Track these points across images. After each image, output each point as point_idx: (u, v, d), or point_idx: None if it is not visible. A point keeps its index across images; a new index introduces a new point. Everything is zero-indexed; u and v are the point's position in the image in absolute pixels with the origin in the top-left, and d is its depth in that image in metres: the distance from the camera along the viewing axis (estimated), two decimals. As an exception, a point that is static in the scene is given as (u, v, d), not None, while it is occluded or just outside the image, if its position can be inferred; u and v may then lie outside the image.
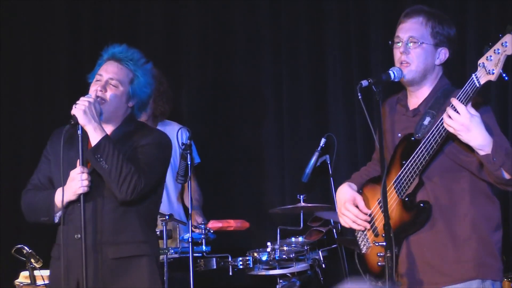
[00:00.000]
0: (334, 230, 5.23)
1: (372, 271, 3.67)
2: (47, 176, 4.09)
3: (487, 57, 3.32)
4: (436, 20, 3.64)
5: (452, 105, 3.37)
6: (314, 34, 6.00)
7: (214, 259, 5.10)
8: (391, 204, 3.57)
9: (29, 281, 4.63)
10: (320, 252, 5.12)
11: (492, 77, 3.31)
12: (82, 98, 3.90)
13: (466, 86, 3.37)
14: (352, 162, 5.80)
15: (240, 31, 6.24)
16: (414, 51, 3.62)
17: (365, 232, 3.69)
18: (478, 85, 3.34)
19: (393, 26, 5.67)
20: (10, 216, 6.40)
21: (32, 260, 4.57)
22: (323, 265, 5.11)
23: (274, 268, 5.10)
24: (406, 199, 3.54)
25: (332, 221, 5.21)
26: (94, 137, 3.86)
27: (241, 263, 5.09)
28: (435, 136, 3.45)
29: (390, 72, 3.64)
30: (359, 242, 3.73)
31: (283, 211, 5.32)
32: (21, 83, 6.67)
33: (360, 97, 3.52)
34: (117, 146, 3.90)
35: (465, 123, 3.34)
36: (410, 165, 3.52)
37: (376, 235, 3.61)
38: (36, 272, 4.63)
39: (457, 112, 3.35)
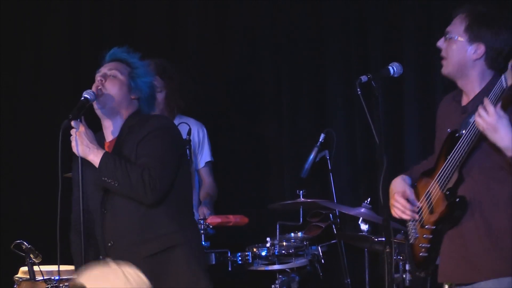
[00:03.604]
0: (334, 226, 5.23)
1: (415, 260, 3.71)
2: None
3: None
4: (476, 18, 3.64)
5: (483, 104, 3.40)
6: (313, 29, 6.00)
7: (213, 254, 5.09)
8: (435, 197, 3.62)
9: (28, 277, 4.62)
10: (319, 247, 5.12)
11: None
12: (72, 132, 3.91)
13: (496, 87, 3.39)
14: (351, 157, 5.81)
15: (240, 27, 6.24)
16: (447, 44, 3.65)
17: (415, 223, 3.73)
18: (505, 86, 3.36)
19: (392, 22, 5.71)
20: (9, 211, 6.40)
21: (31, 256, 4.56)
22: (322, 261, 5.11)
23: (274, 264, 5.09)
24: (447, 192, 3.57)
25: (331, 216, 5.22)
26: (96, 162, 3.88)
27: (240, 258, 5.09)
28: (471, 132, 3.48)
29: (390, 67, 3.65)
30: (409, 232, 3.77)
31: (283, 206, 5.31)
32: (21, 82, 6.67)
33: (359, 92, 3.53)
34: (117, 156, 3.88)
35: (492, 123, 3.36)
36: (451, 159, 3.55)
37: (422, 226, 3.66)
38: (35, 268, 4.62)
39: (487, 111, 3.38)
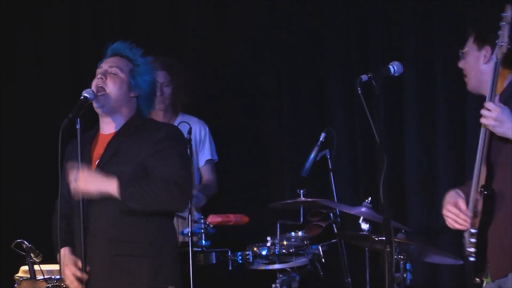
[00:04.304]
0: (334, 225, 5.23)
1: (468, 266, 3.72)
2: (66, 196, 4.05)
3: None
4: (479, 27, 3.73)
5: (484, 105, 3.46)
6: (313, 29, 6.01)
7: (214, 253, 5.09)
8: (475, 200, 3.65)
9: (28, 276, 4.62)
10: (320, 246, 5.12)
11: (503, 49, 3.43)
12: (71, 176, 3.84)
13: (492, 73, 3.47)
14: (352, 156, 5.81)
15: (240, 27, 6.24)
16: (464, 62, 3.76)
17: (468, 234, 3.74)
18: (495, 60, 3.44)
19: (392, 21, 5.72)
20: (9, 210, 6.40)
21: (32, 255, 4.56)
22: (323, 260, 5.11)
23: (274, 263, 5.09)
24: (481, 189, 3.60)
25: (331, 216, 5.22)
26: (114, 193, 3.81)
27: (240, 257, 5.09)
28: (482, 129, 3.55)
29: (390, 66, 3.66)
30: (465, 243, 3.78)
31: (283, 205, 5.31)
32: (21, 81, 6.67)
33: (360, 91, 3.54)
34: (136, 182, 3.84)
35: (498, 117, 3.42)
36: (478, 156, 3.59)
37: (471, 233, 3.68)
38: (36, 267, 4.62)
39: (488, 109, 3.44)
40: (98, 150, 4.01)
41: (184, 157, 4.00)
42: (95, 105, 3.98)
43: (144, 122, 4.05)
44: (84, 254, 3.88)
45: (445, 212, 3.77)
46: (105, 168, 3.90)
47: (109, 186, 3.81)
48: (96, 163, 3.96)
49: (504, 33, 3.43)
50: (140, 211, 3.85)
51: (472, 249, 3.62)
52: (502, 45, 3.43)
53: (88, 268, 3.89)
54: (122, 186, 3.81)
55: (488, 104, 3.43)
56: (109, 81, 3.98)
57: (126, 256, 3.88)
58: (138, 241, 3.90)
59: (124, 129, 4.00)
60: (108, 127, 4.03)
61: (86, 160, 3.95)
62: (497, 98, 3.44)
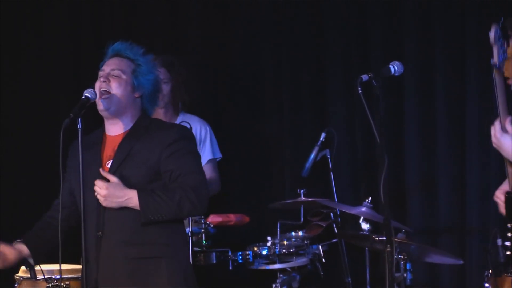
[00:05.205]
0: (334, 225, 5.23)
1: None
2: (68, 195, 4.06)
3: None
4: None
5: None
6: (314, 28, 6.01)
7: (214, 253, 5.10)
8: None
9: (29, 276, 4.62)
10: (320, 246, 5.13)
11: (495, 68, 3.43)
12: (97, 189, 3.85)
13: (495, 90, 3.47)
14: (352, 156, 5.81)
15: (240, 26, 6.24)
16: None
17: None
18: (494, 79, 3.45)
19: (393, 21, 5.72)
20: (9, 211, 6.40)
21: (32, 255, 4.56)
22: (323, 260, 5.12)
23: (274, 263, 5.10)
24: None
25: (332, 216, 5.22)
26: (135, 206, 3.84)
27: (241, 257, 5.10)
28: None
29: (390, 66, 3.66)
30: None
31: (283, 205, 5.32)
32: (21, 81, 6.66)
33: (360, 91, 3.54)
34: (154, 192, 3.86)
35: (495, 143, 3.50)
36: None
37: (509, 228, 3.70)
38: (36, 267, 4.62)
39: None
40: (107, 152, 4.01)
41: (198, 159, 4.02)
42: (100, 108, 3.98)
43: (151, 122, 4.05)
44: (85, 255, 3.90)
45: (494, 197, 3.78)
46: (117, 171, 3.90)
47: (130, 200, 3.84)
48: (108, 166, 3.96)
49: (494, 52, 3.44)
50: (159, 221, 3.87)
51: (508, 243, 3.63)
52: (492, 64, 3.44)
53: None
54: (143, 200, 3.84)
55: (492, 128, 3.49)
56: (113, 83, 3.97)
57: (144, 259, 3.88)
58: (155, 243, 3.90)
59: (134, 130, 4.00)
60: (114, 128, 4.03)
61: (97, 161, 3.95)
62: (508, 120, 3.47)
